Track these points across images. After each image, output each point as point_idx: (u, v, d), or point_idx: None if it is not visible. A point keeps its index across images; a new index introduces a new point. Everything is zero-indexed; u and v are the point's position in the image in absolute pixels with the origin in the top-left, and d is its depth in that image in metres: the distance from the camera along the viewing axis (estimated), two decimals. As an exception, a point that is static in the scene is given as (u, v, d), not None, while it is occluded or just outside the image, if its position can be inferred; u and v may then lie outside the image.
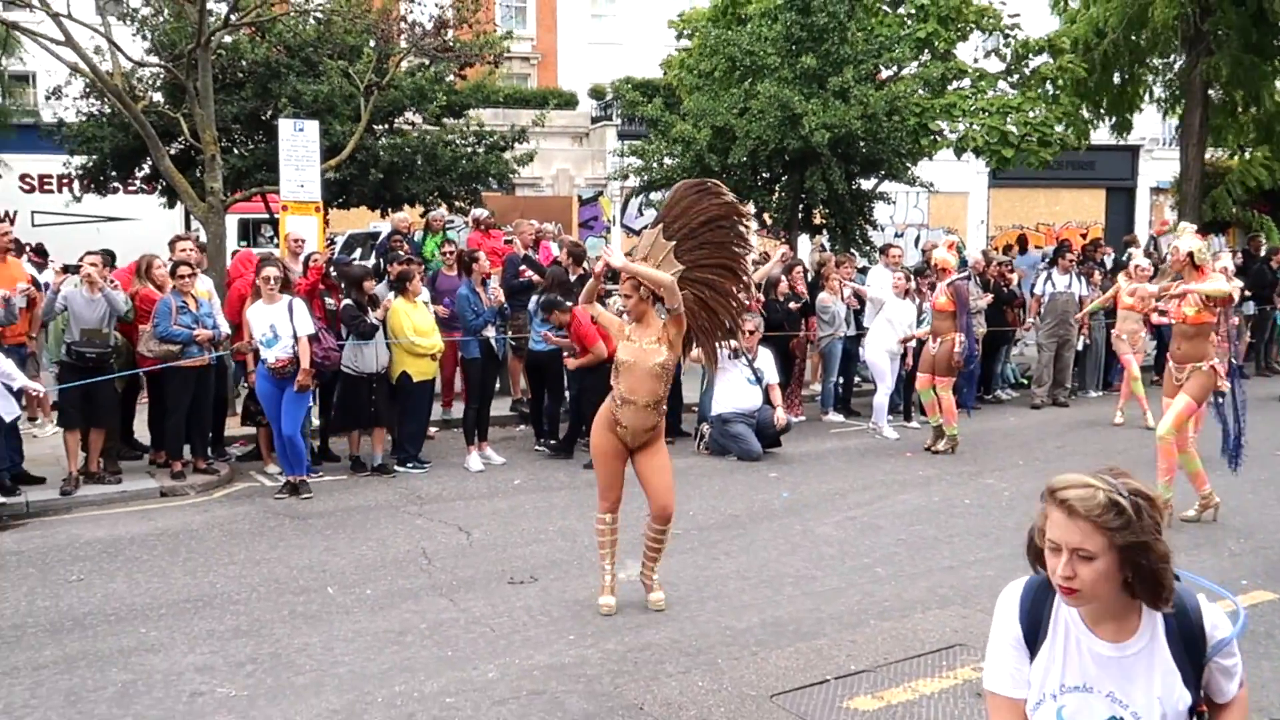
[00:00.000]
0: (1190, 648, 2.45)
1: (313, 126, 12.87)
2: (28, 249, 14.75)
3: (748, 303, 7.25)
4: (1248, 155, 24.92)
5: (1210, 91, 21.25)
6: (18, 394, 8.96)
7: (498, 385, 12.16)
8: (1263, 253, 18.38)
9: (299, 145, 12.60)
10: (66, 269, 9.97)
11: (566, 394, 11.42)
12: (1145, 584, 2.37)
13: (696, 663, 5.74)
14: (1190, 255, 8.38)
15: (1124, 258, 14.89)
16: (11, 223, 13.15)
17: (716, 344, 6.89)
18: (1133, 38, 20.95)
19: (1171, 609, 2.42)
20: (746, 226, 6.79)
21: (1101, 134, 23.75)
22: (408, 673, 5.62)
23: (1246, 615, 2.66)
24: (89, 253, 9.93)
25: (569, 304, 10.43)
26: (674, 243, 6.35)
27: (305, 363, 9.35)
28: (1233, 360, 8.76)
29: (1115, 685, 2.44)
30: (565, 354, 10.72)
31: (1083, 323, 14.49)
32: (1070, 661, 2.49)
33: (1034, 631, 2.54)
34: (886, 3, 19.00)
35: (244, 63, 15.60)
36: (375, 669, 5.68)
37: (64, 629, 6.32)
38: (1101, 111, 22.65)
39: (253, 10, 13.38)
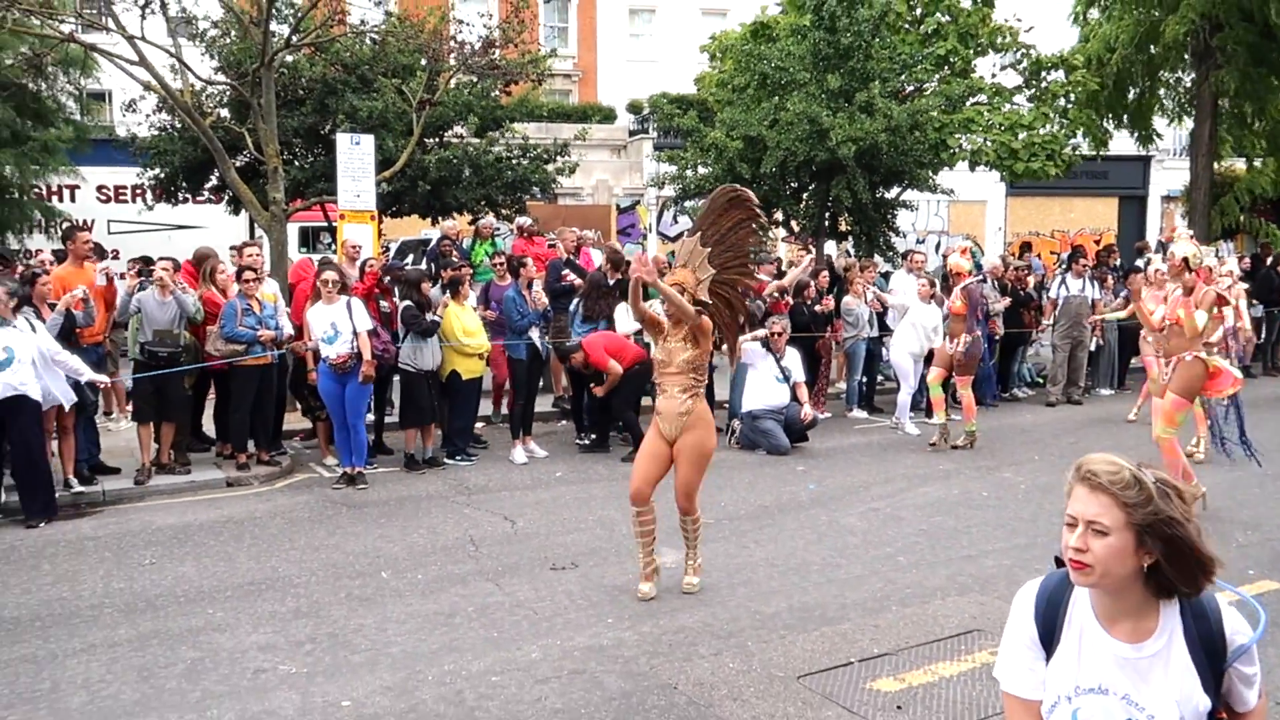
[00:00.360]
0: (1209, 652, 2.30)
1: (368, 140, 12.99)
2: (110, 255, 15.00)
3: (759, 297, 7.27)
4: (1258, 165, 24.58)
5: (1220, 103, 20.97)
6: (89, 387, 9.13)
7: (541, 383, 12.17)
8: (1270, 260, 18.12)
9: (355, 158, 12.73)
10: (140, 273, 10.11)
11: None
12: (1181, 561, 2.23)
13: (727, 645, 5.74)
14: (1185, 260, 8.31)
15: (1144, 262, 14.71)
16: (90, 230, 13.26)
17: (737, 338, 7.02)
18: (1142, 54, 20.71)
19: (1215, 586, 2.29)
20: (761, 225, 6.79)
21: (1115, 144, 23.49)
22: (456, 653, 5.65)
23: (1268, 620, 2.52)
24: (136, 259, 10.09)
25: (576, 342, 10.68)
26: (708, 249, 6.37)
27: (367, 354, 9.45)
28: (1238, 362, 8.67)
29: (1131, 687, 2.30)
30: (591, 385, 10.82)
31: (1095, 325, 14.41)
32: (1086, 662, 2.35)
33: (1049, 632, 2.40)
34: (908, 21, 18.88)
35: (304, 81, 15.68)
36: (426, 649, 5.71)
37: (137, 609, 6.40)
38: (1123, 123, 22.42)
39: (313, 32, 13.49)
